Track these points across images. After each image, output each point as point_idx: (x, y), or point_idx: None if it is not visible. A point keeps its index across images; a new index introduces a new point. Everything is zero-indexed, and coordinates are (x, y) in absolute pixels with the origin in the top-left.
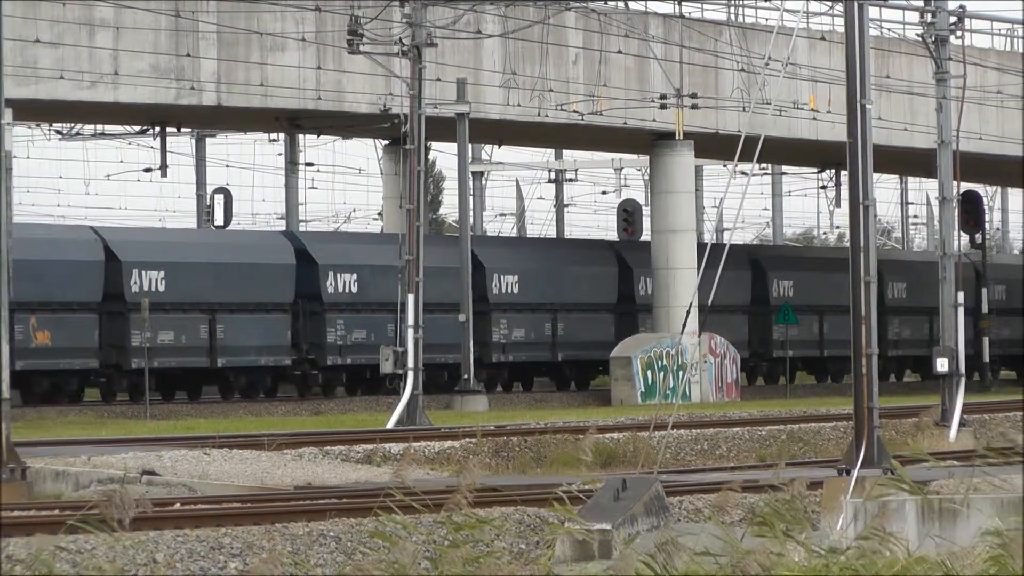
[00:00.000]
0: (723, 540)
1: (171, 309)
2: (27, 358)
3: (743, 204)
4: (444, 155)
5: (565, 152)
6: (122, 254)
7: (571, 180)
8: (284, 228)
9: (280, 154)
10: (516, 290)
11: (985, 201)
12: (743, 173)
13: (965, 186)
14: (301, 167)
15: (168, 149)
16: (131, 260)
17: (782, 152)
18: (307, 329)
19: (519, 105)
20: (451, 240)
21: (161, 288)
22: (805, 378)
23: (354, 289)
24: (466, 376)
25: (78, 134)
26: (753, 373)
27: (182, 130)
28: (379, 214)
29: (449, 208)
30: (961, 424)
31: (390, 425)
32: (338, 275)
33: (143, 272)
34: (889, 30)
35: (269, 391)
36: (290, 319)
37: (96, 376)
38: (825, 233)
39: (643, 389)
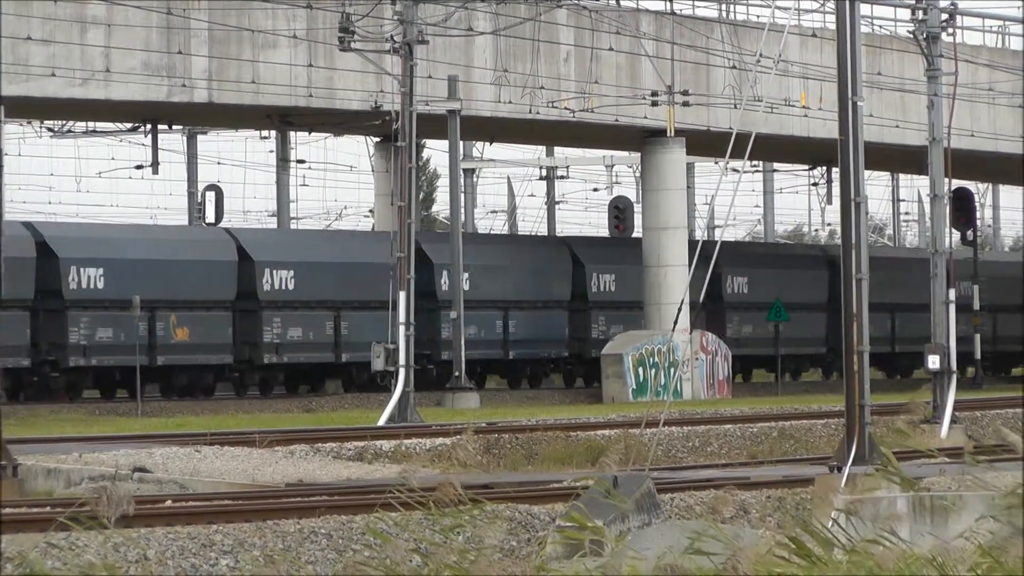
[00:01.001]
0: (719, 539)
1: (300, 307)
2: (167, 354)
3: (734, 201)
4: (437, 152)
5: (556, 149)
6: (255, 254)
7: (562, 177)
8: (276, 226)
9: (271, 151)
10: (614, 288)
11: (976, 198)
12: (734, 170)
13: (956, 183)
14: (292, 164)
15: (159, 146)
16: (263, 260)
17: (773, 149)
18: (424, 326)
19: (510, 102)
20: (550, 240)
21: (290, 287)
22: (873, 373)
23: (467, 287)
24: (457, 373)
25: (69, 131)
26: (829, 369)
27: (173, 127)
28: (370, 211)
29: (442, 205)
30: (952, 421)
31: (381, 422)
32: (452, 274)
33: (274, 271)
34: (880, 27)
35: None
36: None
37: (230, 371)
38: (816, 230)
39: (634, 386)
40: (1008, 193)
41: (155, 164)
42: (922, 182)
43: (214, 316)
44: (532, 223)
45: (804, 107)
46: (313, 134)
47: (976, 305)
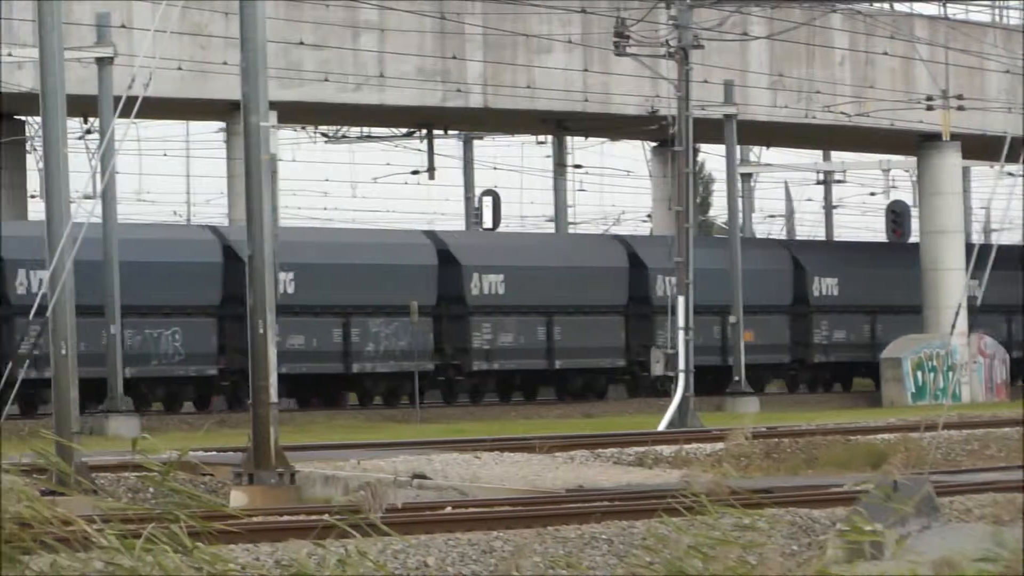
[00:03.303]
0: (1004, 544)
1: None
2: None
3: (1010, 205)
4: (713, 157)
5: (833, 153)
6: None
7: (839, 181)
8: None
9: (548, 156)
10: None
11: None
12: (1010, 174)
13: None
14: (569, 169)
15: (435, 151)
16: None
17: None
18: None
19: (786, 107)
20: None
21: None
22: None
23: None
24: (737, 377)
25: (344, 137)
26: None
27: (449, 132)
28: (648, 216)
29: (718, 210)
30: None
31: (661, 427)
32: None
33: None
34: None
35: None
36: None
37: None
38: None
39: (913, 390)
40: None
41: (431, 169)
42: None
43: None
44: (810, 227)
45: None
46: (589, 139)
47: None
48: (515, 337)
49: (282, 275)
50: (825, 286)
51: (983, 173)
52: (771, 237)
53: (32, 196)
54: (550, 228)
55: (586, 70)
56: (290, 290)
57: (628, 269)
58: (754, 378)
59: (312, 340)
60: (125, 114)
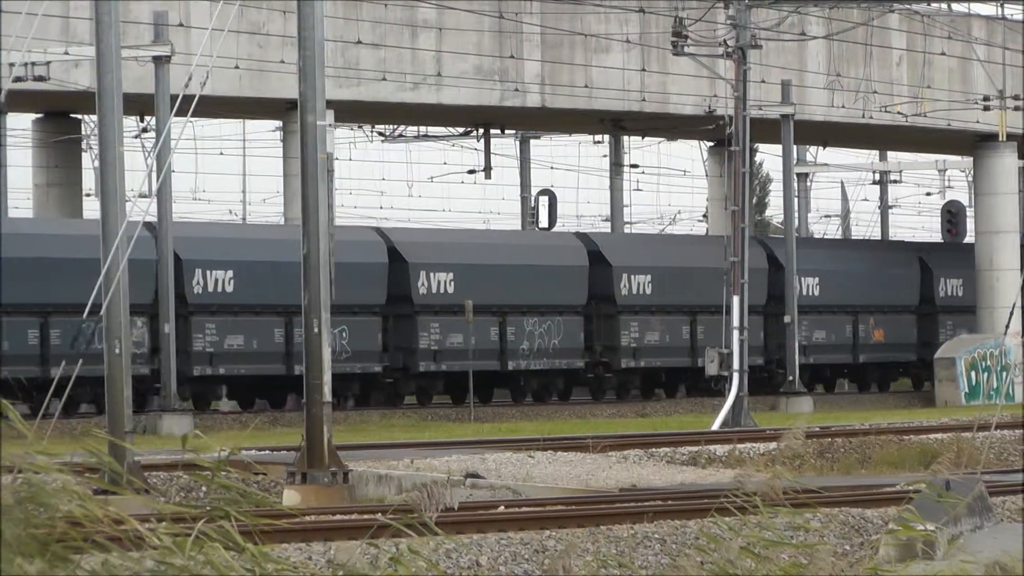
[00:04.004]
0: None
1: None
2: (867, 352)
3: None
4: (770, 156)
5: (889, 153)
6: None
7: (895, 182)
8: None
9: (605, 156)
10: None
11: None
12: None
13: None
14: (626, 168)
15: (492, 151)
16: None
17: None
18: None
19: (843, 107)
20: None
21: (816, 293)
22: None
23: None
24: (791, 377)
25: (401, 136)
26: None
27: (506, 131)
28: (704, 216)
29: (775, 210)
30: None
31: (715, 427)
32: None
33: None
34: None
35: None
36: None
37: (912, 367)
38: None
39: (967, 390)
40: None
41: (488, 169)
42: None
43: (903, 319)
44: (866, 227)
45: None
46: (646, 139)
47: None
48: (660, 336)
49: (442, 275)
50: (950, 287)
51: None
52: (900, 240)
53: (87, 195)
54: (606, 228)
55: (644, 70)
56: (450, 290)
57: (768, 270)
58: (881, 375)
59: (471, 338)
60: (181, 113)
